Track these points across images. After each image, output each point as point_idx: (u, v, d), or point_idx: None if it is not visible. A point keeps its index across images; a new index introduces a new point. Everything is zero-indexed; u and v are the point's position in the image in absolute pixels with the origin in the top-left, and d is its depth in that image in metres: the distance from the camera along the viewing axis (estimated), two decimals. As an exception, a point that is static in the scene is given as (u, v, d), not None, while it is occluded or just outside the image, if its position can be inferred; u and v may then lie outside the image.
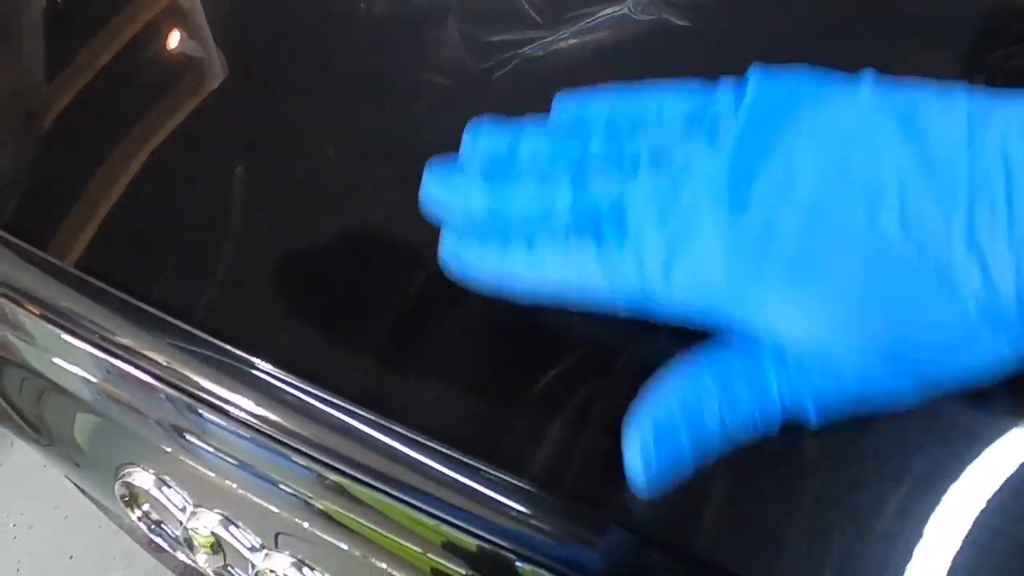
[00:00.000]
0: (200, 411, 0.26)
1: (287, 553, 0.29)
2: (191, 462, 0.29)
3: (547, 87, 0.32)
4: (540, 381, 0.24)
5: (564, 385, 0.24)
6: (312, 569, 0.29)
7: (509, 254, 0.23)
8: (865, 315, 0.19)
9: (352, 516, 0.25)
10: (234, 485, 0.28)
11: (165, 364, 0.27)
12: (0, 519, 1.12)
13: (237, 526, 0.30)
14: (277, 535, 0.29)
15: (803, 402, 0.19)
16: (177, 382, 0.26)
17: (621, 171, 0.22)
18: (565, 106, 0.25)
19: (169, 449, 0.29)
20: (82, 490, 0.54)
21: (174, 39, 0.37)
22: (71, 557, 1.06)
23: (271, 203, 0.31)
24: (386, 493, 0.24)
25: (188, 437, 0.28)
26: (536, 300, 0.23)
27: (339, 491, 0.25)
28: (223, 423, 0.26)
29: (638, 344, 0.24)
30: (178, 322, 0.27)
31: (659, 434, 0.20)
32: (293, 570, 0.29)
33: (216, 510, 0.31)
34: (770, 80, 0.22)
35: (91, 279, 0.29)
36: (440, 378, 0.25)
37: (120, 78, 0.36)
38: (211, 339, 0.26)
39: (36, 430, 0.40)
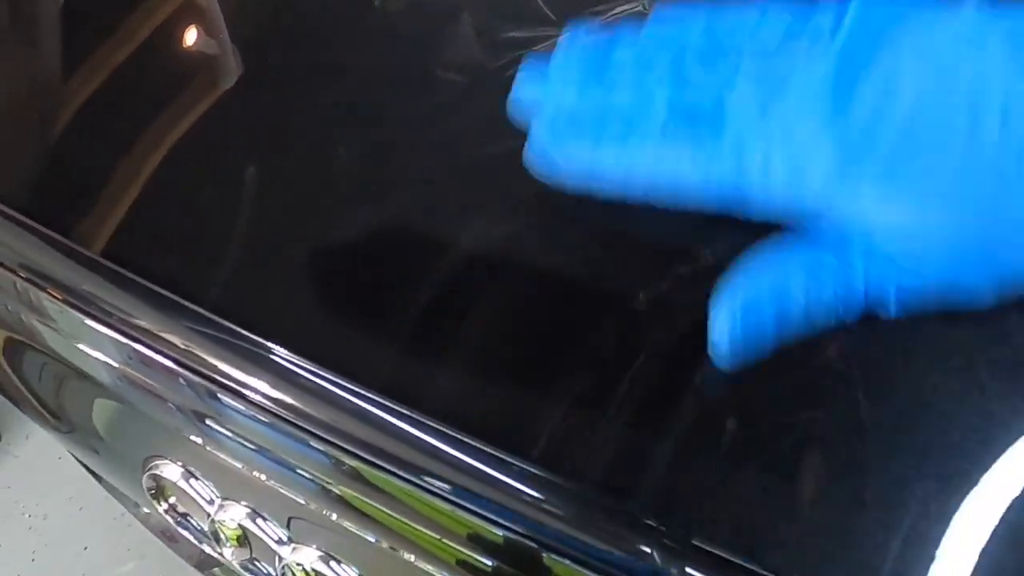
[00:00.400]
0: (222, 396, 0.26)
1: (314, 546, 0.30)
2: (216, 451, 0.29)
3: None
4: (559, 368, 0.24)
5: (582, 371, 0.24)
6: (339, 562, 0.29)
7: (601, 148, 0.23)
8: (956, 211, 0.20)
9: (377, 505, 0.25)
10: (260, 475, 0.28)
11: (186, 349, 0.27)
12: (16, 510, 1.13)
13: (264, 519, 0.31)
14: (303, 528, 0.29)
15: (886, 292, 0.21)
16: (199, 367, 0.27)
17: (720, 75, 0.23)
18: (662, 17, 0.25)
19: (194, 438, 0.29)
20: (98, 478, 0.55)
21: (194, 32, 0.37)
22: (85, 548, 1.07)
23: (290, 191, 0.31)
24: (410, 481, 0.24)
25: (210, 423, 0.28)
26: (624, 196, 0.24)
27: (362, 478, 0.25)
28: (246, 409, 0.26)
29: (654, 331, 0.24)
30: (199, 308, 0.27)
31: (746, 309, 0.22)
32: (320, 563, 0.29)
33: (243, 502, 0.31)
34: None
35: (114, 265, 0.29)
36: (462, 364, 0.25)
37: (141, 70, 0.36)
38: (232, 325, 0.26)
39: (56, 417, 0.40)
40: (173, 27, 0.37)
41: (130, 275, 0.29)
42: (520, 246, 0.28)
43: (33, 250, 0.31)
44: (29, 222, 0.31)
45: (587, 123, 0.24)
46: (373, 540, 0.27)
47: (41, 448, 1.17)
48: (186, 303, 0.27)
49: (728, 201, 0.23)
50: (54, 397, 0.38)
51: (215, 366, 0.26)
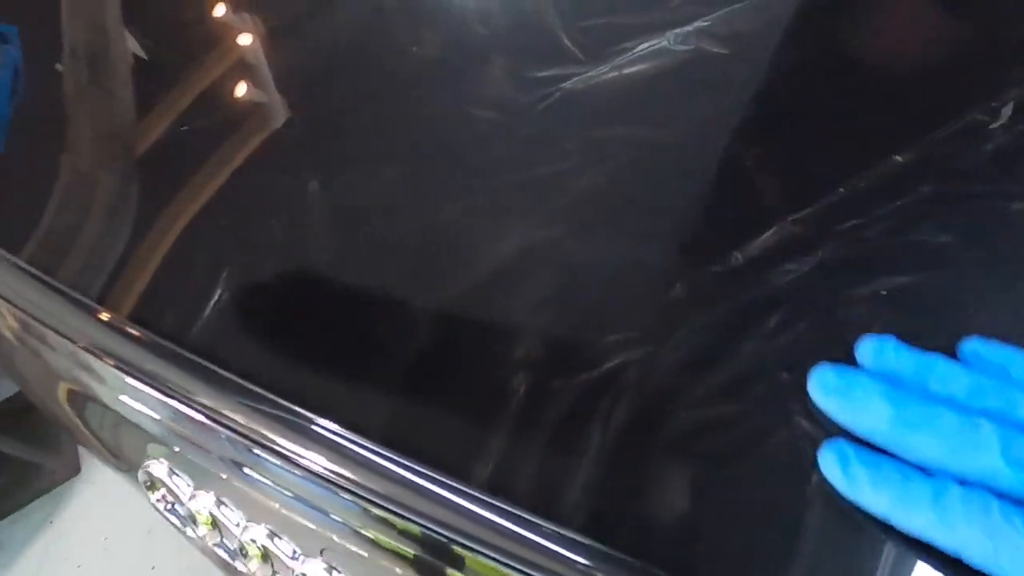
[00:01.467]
0: (247, 449, 0.30)
1: (263, 525, 0.34)
2: (244, 487, 0.33)
3: (587, 119, 0.34)
4: (596, 438, 0.26)
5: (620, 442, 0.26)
6: (340, 572, 0.33)
7: (911, 491, 0.22)
8: None
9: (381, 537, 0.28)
10: (279, 507, 0.32)
11: (214, 408, 0.31)
12: (93, 534, 1.20)
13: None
14: (320, 548, 0.33)
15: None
16: (230, 424, 0.31)
17: None
18: (978, 350, 0.24)
19: (224, 476, 0.33)
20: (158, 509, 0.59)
21: (239, 94, 0.41)
22: (153, 567, 1.12)
23: (333, 264, 0.33)
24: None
25: (246, 471, 0.32)
26: (917, 536, 0.22)
27: (378, 520, 0.28)
28: (273, 461, 0.29)
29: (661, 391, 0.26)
30: (230, 375, 0.31)
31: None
32: (324, 574, 0.33)
33: (264, 524, 0.35)
34: None
35: (157, 337, 0.33)
36: (500, 431, 0.27)
37: (176, 152, 0.40)
38: (262, 391, 0.30)
39: (117, 457, 0.44)
40: (213, 100, 0.41)
41: (170, 345, 0.33)
42: (563, 320, 0.29)
43: (89, 325, 0.35)
44: (85, 300, 0.35)
45: (893, 467, 0.22)
46: (367, 555, 0.29)
47: (115, 476, 1.24)
48: (218, 370, 0.31)
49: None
50: (112, 441, 0.42)
51: (242, 423, 0.30)
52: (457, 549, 0.26)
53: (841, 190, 0.29)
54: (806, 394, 0.25)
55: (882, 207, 0.28)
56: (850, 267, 0.27)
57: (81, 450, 1.28)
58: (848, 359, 0.25)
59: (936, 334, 0.24)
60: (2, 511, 1.25)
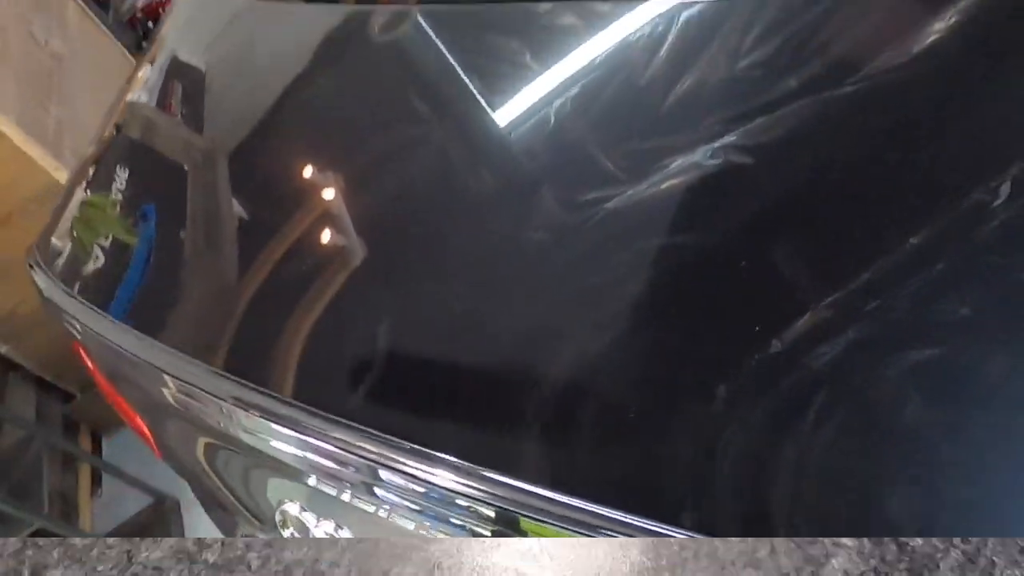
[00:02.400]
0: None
1: None
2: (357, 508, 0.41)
3: (630, 233, 0.38)
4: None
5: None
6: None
7: None
8: None
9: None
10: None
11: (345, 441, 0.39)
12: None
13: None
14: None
15: None
16: (360, 454, 0.39)
17: None
18: None
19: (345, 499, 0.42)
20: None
21: (327, 239, 0.49)
22: None
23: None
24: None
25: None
26: None
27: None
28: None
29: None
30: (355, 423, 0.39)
31: None
32: None
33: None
34: None
35: (295, 402, 0.42)
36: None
37: (302, 271, 0.48)
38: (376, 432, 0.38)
39: (240, 502, 0.51)
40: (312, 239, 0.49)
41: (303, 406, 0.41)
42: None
43: (239, 389, 0.44)
44: (231, 376, 0.44)
45: None
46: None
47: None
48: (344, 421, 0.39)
49: None
50: (239, 485, 0.51)
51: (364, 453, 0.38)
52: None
53: (865, 275, 0.31)
54: (852, 478, 0.26)
55: (904, 287, 0.30)
56: (879, 345, 0.29)
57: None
58: (882, 437, 0.26)
59: (965, 403, 0.26)
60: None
